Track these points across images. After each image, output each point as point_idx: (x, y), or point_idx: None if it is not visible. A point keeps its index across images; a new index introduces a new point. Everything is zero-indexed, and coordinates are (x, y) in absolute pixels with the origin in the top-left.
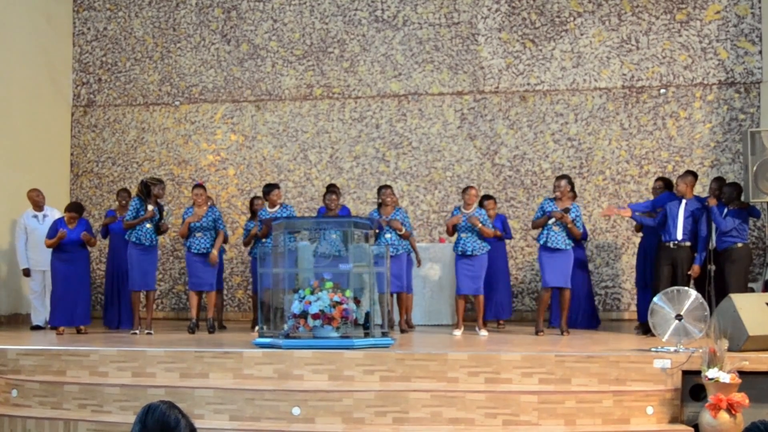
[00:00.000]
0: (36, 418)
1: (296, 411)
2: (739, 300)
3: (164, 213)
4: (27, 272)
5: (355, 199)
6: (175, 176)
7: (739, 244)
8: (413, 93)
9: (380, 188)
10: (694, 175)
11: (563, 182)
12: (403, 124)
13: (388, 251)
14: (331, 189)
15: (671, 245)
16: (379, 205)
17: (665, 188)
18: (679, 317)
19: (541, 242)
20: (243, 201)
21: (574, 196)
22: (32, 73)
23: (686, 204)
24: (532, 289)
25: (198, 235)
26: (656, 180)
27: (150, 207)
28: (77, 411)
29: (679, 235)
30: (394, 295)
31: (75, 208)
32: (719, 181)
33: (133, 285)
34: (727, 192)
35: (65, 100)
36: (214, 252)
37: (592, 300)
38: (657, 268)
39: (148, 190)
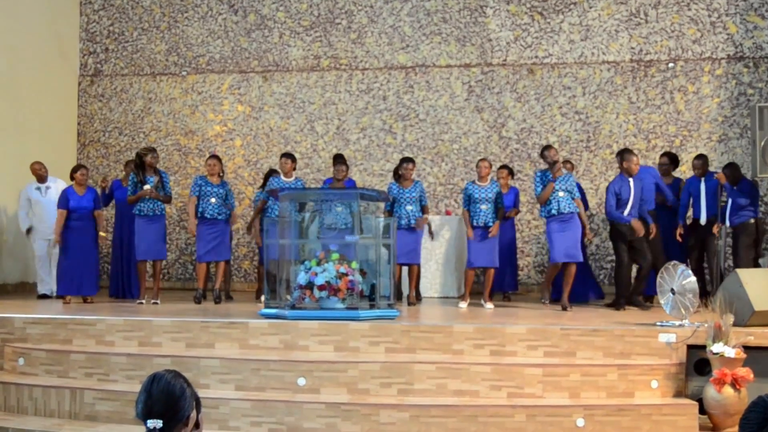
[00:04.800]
0: (42, 386)
1: (301, 381)
2: (745, 275)
3: (157, 181)
4: (29, 230)
5: (362, 171)
6: (181, 147)
7: (752, 220)
8: (421, 65)
9: (402, 161)
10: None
11: (552, 150)
12: (410, 96)
13: (395, 223)
14: (340, 159)
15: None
16: (398, 177)
17: (671, 164)
18: (673, 291)
19: (553, 211)
20: (249, 172)
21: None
22: (39, 43)
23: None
24: (538, 262)
25: (212, 200)
26: (661, 156)
27: (147, 186)
28: (83, 380)
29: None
30: (406, 267)
31: (84, 167)
32: (702, 158)
33: (140, 255)
34: (732, 175)
35: (72, 69)
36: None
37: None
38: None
39: (141, 160)
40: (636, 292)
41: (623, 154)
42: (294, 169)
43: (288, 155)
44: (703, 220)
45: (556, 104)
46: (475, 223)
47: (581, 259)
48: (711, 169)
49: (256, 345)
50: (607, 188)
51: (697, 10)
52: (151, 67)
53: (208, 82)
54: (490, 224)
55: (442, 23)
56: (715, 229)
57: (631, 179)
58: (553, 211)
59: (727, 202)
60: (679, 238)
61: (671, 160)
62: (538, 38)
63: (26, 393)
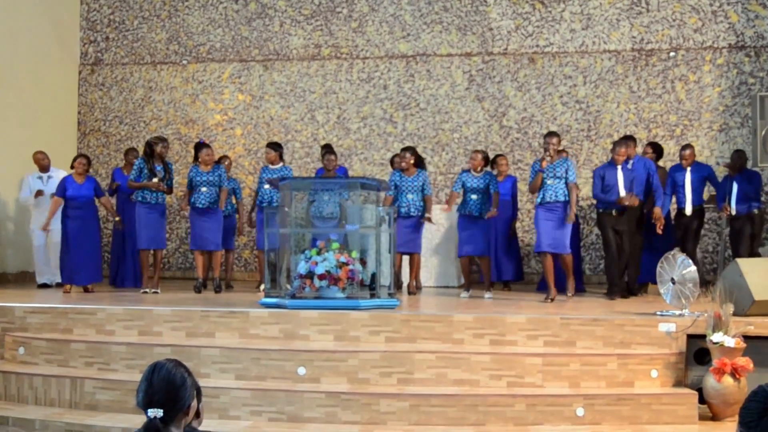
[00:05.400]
0: (43, 375)
1: (302, 371)
2: (745, 264)
3: (169, 172)
4: (40, 192)
5: (362, 160)
6: (182, 135)
7: (756, 210)
8: (421, 54)
9: (402, 150)
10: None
11: (555, 138)
12: (411, 85)
13: (395, 212)
14: (330, 149)
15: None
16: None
17: (654, 153)
18: (673, 281)
19: (539, 200)
20: (250, 161)
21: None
22: (40, 31)
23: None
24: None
25: (203, 189)
26: (646, 145)
27: (155, 179)
28: (84, 369)
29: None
30: (407, 257)
31: (84, 156)
32: (690, 147)
33: (141, 243)
34: (738, 161)
35: (72, 58)
36: (242, 222)
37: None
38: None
39: (152, 149)
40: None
41: (615, 143)
42: (280, 157)
43: (270, 145)
44: (688, 210)
45: (557, 93)
46: (463, 212)
47: (567, 251)
48: (711, 158)
49: (256, 334)
50: (594, 172)
51: None
52: (151, 55)
53: (209, 71)
54: (476, 214)
55: (443, 12)
56: (725, 212)
57: (618, 167)
58: (539, 200)
59: (717, 191)
60: (659, 230)
61: (655, 149)
62: (539, 27)
63: (26, 382)
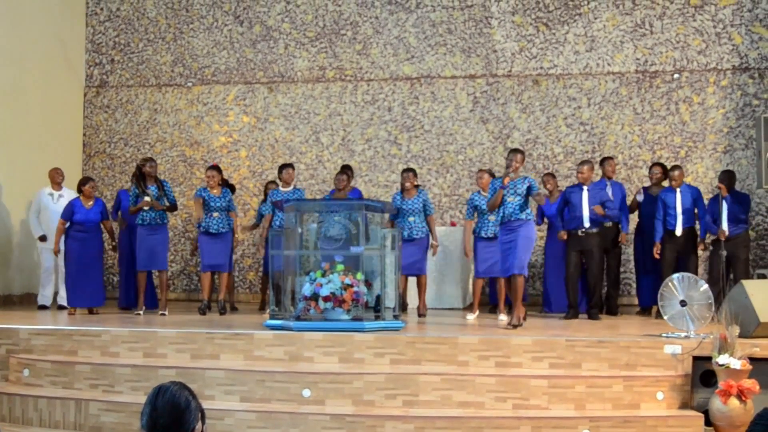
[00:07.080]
0: (47, 397)
1: (306, 393)
2: (751, 286)
3: (163, 190)
4: (43, 238)
5: (367, 182)
6: (187, 157)
7: (742, 233)
8: (426, 76)
9: (402, 171)
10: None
11: (519, 155)
12: (415, 107)
13: (401, 234)
14: (343, 169)
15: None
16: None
17: (662, 174)
18: (683, 303)
19: (499, 218)
20: (255, 183)
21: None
22: (45, 54)
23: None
24: (541, 273)
25: (215, 215)
26: (654, 165)
27: (147, 198)
28: (88, 391)
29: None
30: (412, 279)
31: (93, 179)
32: (679, 168)
33: (140, 265)
34: (727, 182)
35: (78, 80)
36: (239, 236)
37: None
38: (662, 255)
39: (141, 171)
40: (590, 304)
41: (581, 163)
42: (293, 177)
43: (290, 165)
44: (678, 232)
45: (561, 115)
46: (483, 234)
47: (522, 272)
48: (716, 180)
49: (261, 356)
50: (562, 192)
51: (702, 21)
52: (156, 78)
53: (214, 93)
54: (490, 235)
55: (447, 34)
56: (721, 236)
57: (585, 188)
58: (499, 218)
59: (700, 214)
60: (656, 255)
61: (664, 170)
62: (543, 49)
63: (31, 404)
